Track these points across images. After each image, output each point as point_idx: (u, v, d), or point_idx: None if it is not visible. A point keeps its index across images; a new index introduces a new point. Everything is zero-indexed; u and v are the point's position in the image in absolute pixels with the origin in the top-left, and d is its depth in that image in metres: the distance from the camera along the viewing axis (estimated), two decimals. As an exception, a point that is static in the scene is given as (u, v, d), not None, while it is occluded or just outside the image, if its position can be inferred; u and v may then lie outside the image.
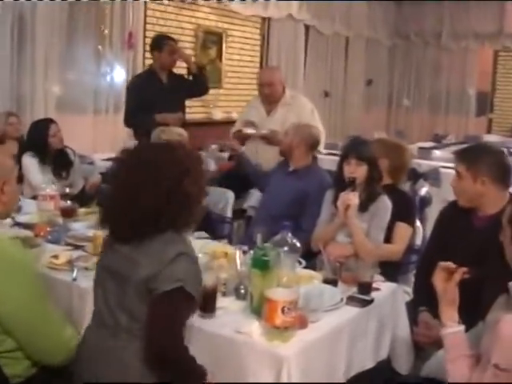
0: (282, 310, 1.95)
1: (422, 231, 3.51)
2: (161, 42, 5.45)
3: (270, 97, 5.03)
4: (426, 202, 4.68)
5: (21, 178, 4.73)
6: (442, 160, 7.26)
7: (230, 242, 4.06)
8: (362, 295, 2.45)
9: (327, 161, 5.18)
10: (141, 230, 1.97)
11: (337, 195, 3.15)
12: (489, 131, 11.01)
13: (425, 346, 2.69)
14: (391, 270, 3.23)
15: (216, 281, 2.24)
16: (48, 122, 4.97)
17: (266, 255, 2.13)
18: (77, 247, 3.06)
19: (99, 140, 6.70)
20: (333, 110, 10.67)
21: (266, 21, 8.98)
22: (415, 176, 6.18)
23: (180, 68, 5.86)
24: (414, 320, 2.74)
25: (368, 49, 11.22)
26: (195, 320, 2.16)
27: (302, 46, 9.64)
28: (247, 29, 8.79)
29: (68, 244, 3.14)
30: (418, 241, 3.48)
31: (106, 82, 6.72)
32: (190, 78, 5.59)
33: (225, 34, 8.33)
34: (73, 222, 3.43)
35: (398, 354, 2.65)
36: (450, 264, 2.11)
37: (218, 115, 8.26)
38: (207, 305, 2.20)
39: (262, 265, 2.15)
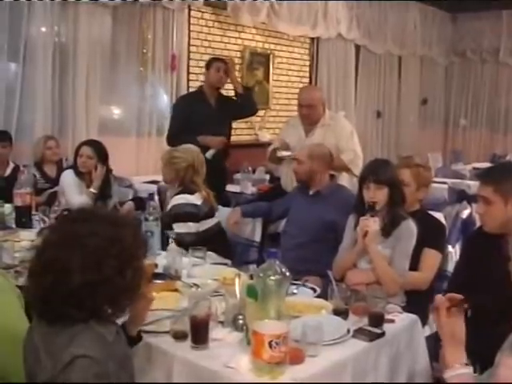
0: (270, 345, 1.79)
1: (454, 257, 3.28)
2: (210, 61, 5.45)
3: (308, 118, 4.84)
4: (469, 224, 4.41)
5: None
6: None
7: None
8: (372, 327, 2.26)
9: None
10: (56, 313, 1.68)
11: (358, 220, 2.98)
12: (548, 150, 10.60)
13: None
14: (420, 298, 3.02)
15: (208, 311, 2.10)
16: (83, 143, 4.86)
17: (262, 283, 1.98)
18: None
19: (141, 163, 6.69)
20: (386, 131, 10.49)
21: (314, 41, 8.88)
22: (464, 198, 5.93)
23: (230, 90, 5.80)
24: (435, 355, 2.52)
25: (422, 67, 11.04)
26: (186, 351, 2.04)
27: (353, 66, 9.54)
28: (295, 49, 8.70)
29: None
30: (450, 267, 3.24)
31: (148, 105, 6.72)
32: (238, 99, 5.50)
33: (272, 54, 8.26)
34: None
35: (417, 391, 2.45)
36: (456, 295, 1.90)
37: (266, 137, 8.15)
38: (198, 336, 2.06)
39: (256, 293, 2.00)
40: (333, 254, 3.23)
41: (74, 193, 4.51)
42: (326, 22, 8.65)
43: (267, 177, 6.37)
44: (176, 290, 2.64)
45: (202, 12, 7.28)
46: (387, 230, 2.94)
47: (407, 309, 2.88)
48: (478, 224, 2.83)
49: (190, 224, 3.67)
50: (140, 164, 6.71)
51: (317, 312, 2.36)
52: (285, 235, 3.80)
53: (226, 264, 3.28)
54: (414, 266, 3.02)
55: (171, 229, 3.67)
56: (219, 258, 3.58)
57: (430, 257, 3.08)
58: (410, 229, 2.94)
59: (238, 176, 6.36)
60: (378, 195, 2.92)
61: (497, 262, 2.50)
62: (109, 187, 4.71)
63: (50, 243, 1.74)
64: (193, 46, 7.19)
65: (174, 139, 5.09)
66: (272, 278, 1.94)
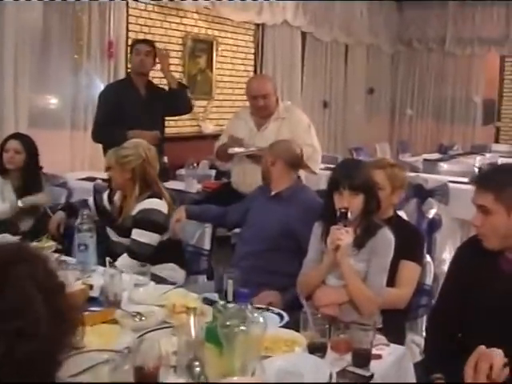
0: (241, 413, 1.40)
1: (433, 267, 2.92)
2: (132, 44, 4.99)
3: (263, 110, 4.40)
4: (435, 225, 4.11)
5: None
6: (449, 173, 6.78)
7: (209, 278, 3.52)
8: (358, 368, 1.88)
9: (326, 178, 4.61)
10: None
11: (326, 229, 2.57)
12: (496, 140, 10.66)
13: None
14: (396, 317, 2.67)
15: (157, 362, 1.66)
16: (10, 136, 4.38)
17: (225, 326, 1.56)
18: None
19: (77, 158, 6.16)
20: (332, 121, 10.23)
21: (259, 27, 8.47)
22: (422, 193, 5.66)
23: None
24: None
25: (369, 56, 10.80)
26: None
27: (299, 54, 9.22)
28: (240, 36, 8.28)
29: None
30: (429, 279, 2.89)
31: (83, 95, 6.18)
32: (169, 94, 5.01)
33: (215, 41, 7.82)
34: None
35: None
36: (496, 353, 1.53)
37: (209, 128, 7.73)
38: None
39: (218, 339, 1.58)
40: (293, 265, 2.84)
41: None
42: (271, 7, 8.27)
43: (213, 172, 5.92)
44: (115, 321, 2.19)
45: (141, -5, 6.78)
46: (361, 241, 2.53)
47: (383, 332, 2.52)
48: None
49: (154, 235, 3.27)
50: (75, 159, 6.18)
51: (288, 349, 1.96)
52: (240, 241, 3.36)
53: (173, 284, 2.84)
54: (390, 280, 2.63)
55: (128, 235, 3.27)
56: (173, 269, 3.27)
57: (409, 270, 2.71)
58: (386, 239, 2.54)
59: (181, 172, 5.91)
60: (353, 203, 2.51)
61: (494, 284, 2.16)
62: (39, 187, 4.24)
63: None
64: (131, 31, 6.66)
65: (100, 132, 4.61)
66: (241, 327, 1.52)
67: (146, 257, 3.21)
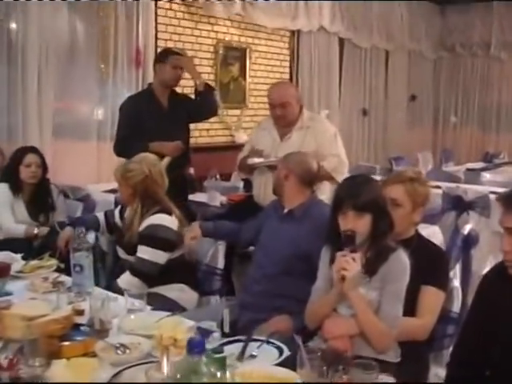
0: None
1: (460, 293, 2.62)
2: (165, 54, 4.68)
3: (283, 119, 4.16)
4: (470, 242, 3.78)
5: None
6: (491, 184, 6.41)
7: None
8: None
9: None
10: None
11: (333, 254, 2.29)
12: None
13: None
14: (418, 350, 2.39)
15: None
16: (27, 149, 4.30)
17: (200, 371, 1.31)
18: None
19: (103, 170, 6.01)
20: (372, 130, 9.95)
21: (295, 34, 8.25)
22: (461, 205, 5.33)
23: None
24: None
25: (410, 62, 10.50)
26: None
27: (337, 61, 9.02)
28: (274, 43, 8.06)
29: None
30: (456, 306, 2.59)
31: (110, 105, 6.04)
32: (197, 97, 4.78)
33: (248, 49, 7.62)
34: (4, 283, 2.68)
35: None
36: None
37: (242, 138, 7.50)
38: None
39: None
40: (307, 289, 2.57)
41: (5, 213, 3.92)
42: (307, 13, 8.06)
43: (240, 184, 5.70)
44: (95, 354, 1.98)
45: (171, 2, 6.62)
46: (372, 267, 2.25)
47: (403, 366, 2.26)
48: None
49: (161, 253, 3.07)
50: (101, 171, 6.03)
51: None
52: (252, 263, 3.12)
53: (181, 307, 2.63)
54: (410, 308, 2.36)
55: (133, 253, 3.10)
56: (182, 290, 3.10)
57: (430, 297, 2.41)
58: (401, 263, 2.26)
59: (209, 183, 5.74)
60: (358, 224, 2.23)
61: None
62: (51, 203, 4.15)
63: None
64: (160, 39, 6.51)
65: (121, 147, 4.42)
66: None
67: (151, 276, 3.03)
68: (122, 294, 2.50)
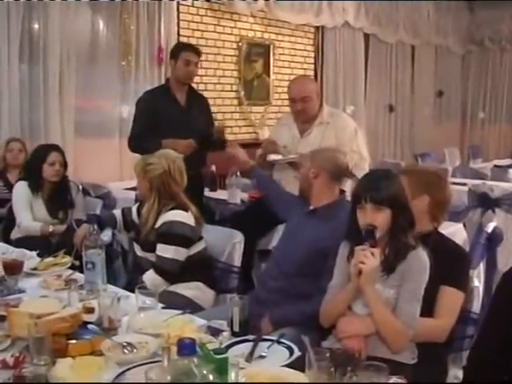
0: None
1: (481, 293, 2.53)
2: (177, 50, 4.62)
3: (302, 114, 4.14)
4: (495, 240, 3.68)
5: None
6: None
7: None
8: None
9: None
10: None
11: (351, 250, 2.24)
12: None
13: None
14: (436, 351, 2.31)
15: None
16: (50, 147, 4.30)
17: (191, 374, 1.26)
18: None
19: (125, 167, 5.99)
20: (399, 126, 9.83)
21: (319, 30, 8.17)
22: (487, 203, 5.21)
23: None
24: None
25: (437, 57, 10.37)
26: None
27: (362, 57, 8.92)
28: (298, 39, 7.99)
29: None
30: (476, 307, 2.50)
31: (132, 103, 6.02)
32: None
33: (272, 45, 7.56)
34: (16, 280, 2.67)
35: None
36: None
37: (266, 135, 7.44)
38: None
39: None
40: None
41: (23, 211, 3.93)
42: (331, 8, 7.98)
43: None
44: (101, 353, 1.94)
45: (193, -1, 6.60)
46: (390, 265, 2.18)
47: (419, 367, 2.18)
48: None
49: (181, 249, 3.03)
50: (124, 168, 6.02)
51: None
52: (271, 258, 3.06)
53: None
54: (428, 308, 2.28)
55: (152, 250, 3.07)
56: (199, 288, 3.07)
57: (449, 297, 2.32)
58: (420, 262, 2.18)
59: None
60: (377, 218, 2.16)
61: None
62: (70, 200, 4.15)
63: None
64: (183, 36, 6.47)
65: (136, 143, 4.40)
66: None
67: (173, 273, 3.00)
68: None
